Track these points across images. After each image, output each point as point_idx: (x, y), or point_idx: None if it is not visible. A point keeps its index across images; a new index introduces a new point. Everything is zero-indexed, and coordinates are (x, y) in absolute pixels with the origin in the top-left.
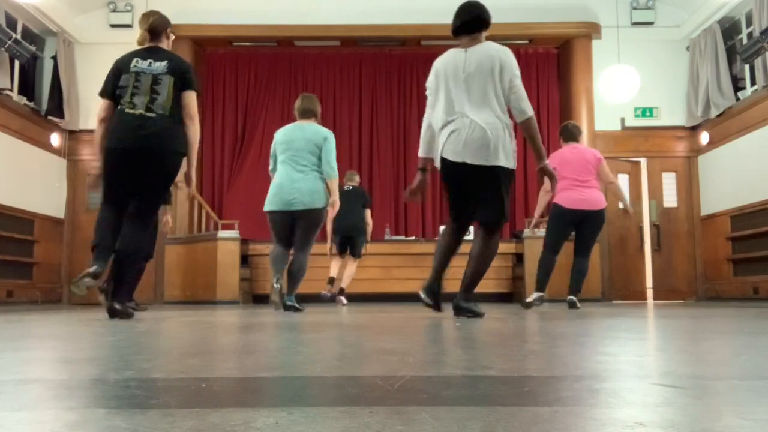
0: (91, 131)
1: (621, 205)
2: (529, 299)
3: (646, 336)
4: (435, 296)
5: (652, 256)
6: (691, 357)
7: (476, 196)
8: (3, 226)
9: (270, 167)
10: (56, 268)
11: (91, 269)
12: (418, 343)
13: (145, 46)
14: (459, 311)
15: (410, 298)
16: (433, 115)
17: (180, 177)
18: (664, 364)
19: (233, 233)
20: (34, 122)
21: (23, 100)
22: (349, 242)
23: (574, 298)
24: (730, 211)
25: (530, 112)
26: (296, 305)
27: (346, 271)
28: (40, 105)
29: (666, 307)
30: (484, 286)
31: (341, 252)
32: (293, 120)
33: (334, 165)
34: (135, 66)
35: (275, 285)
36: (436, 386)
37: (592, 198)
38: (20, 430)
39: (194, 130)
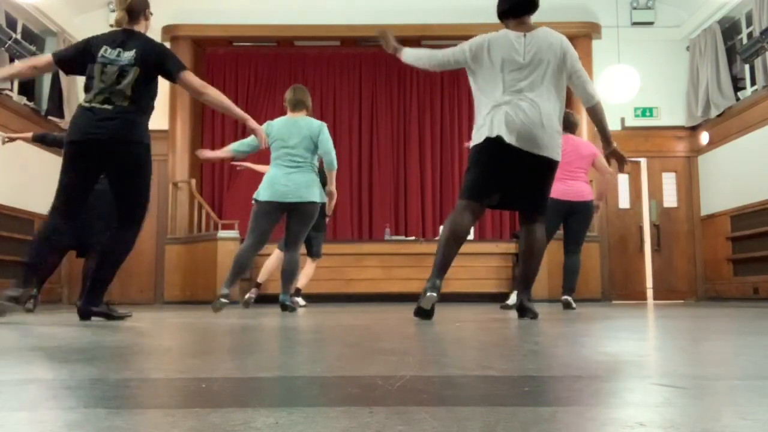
0: None
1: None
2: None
3: (646, 336)
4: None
5: (652, 256)
6: (691, 357)
7: (517, 184)
8: (3, 226)
9: (241, 146)
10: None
11: (12, 293)
12: (418, 343)
13: (121, 28)
14: (524, 312)
15: (410, 298)
16: (483, 96)
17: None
18: (664, 364)
19: (233, 233)
20: (34, 122)
21: (23, 100)
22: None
23: (569, 298)
24: (730, 211)
25: (597, 96)
26: (289, 304)
27: (303, 271)
28: (40, 105)
29: (666, 307)
30: (484, 286)
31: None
32: (288, 111)
33: (334, 155)
34: (102, 56)
35: (223, 293)
36: (436, 386)
37: (578, 189)
38: (20, 430)
39: (214, 94)
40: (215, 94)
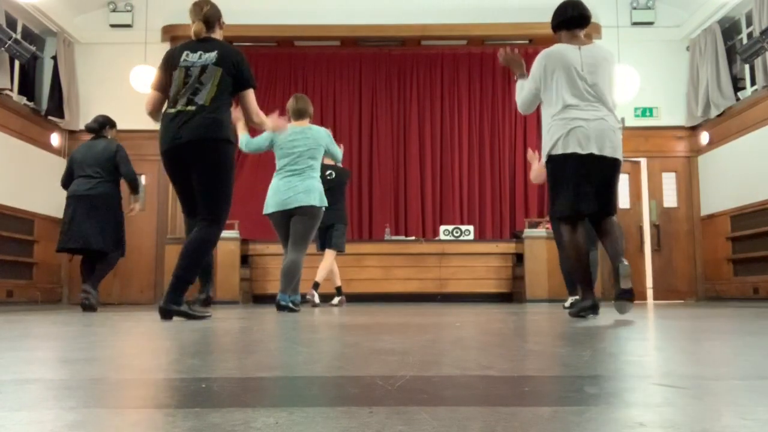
0: None
1: None
2: (566, 304)
3: (646, 336)
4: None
5: (652, 256)
6: (691, 357)
7: (597, 186)
8: (3, 226)
9: (249, 143)
10: (56, 268)
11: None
12: (418, 343)
13: (201, 37)
14: (626, 294)
15: (411, 298)
16: (549, 109)
17: None
18: (664, 364)
19: (233, 233)
20: (34, 122)
21: (23, 100)
22: (327, 232)
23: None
24: (730, 211)
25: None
26: (290, 305)
27: (321, 263)
28: (40, 105)
29: (666, 307)
30: (484, 286)
31: (322, 246)
32: (291, 120)
33: (341, 155)
34: (185, 60)
35: (295, 302)
36: (436, 386)
37: None
38: (20, 430)
39: (263, 120)
40: (263, 121)
